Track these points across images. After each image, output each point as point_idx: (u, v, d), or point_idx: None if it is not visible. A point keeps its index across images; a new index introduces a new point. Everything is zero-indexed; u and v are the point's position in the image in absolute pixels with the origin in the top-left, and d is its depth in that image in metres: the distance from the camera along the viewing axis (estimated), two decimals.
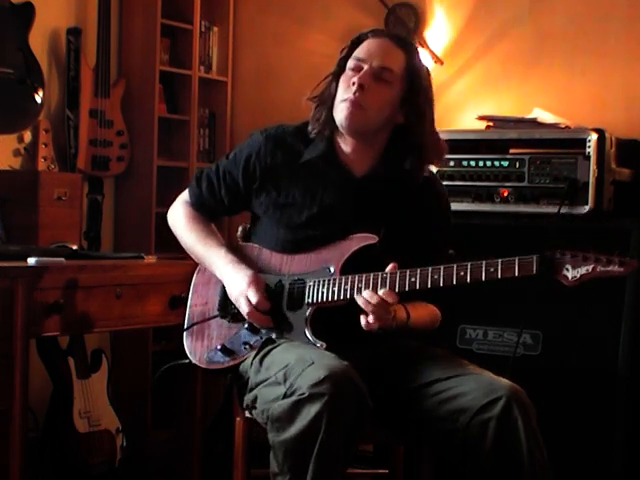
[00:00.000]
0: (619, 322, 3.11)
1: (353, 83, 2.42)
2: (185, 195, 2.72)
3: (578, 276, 2.17)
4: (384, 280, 2.33)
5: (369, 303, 2.31)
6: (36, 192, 3.53)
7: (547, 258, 2.19)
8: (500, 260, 2.22)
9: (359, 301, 2.33)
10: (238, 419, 2.54)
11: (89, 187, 4.03)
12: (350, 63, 2.46)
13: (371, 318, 2.31)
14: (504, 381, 2.30)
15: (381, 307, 2.30)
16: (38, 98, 3.65)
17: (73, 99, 3.93)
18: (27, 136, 3.71)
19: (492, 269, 2.22)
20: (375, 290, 2.32)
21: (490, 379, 2.30)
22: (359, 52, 2.45)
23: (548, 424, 2.39)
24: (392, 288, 2.32)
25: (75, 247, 3.41)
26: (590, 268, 2.16)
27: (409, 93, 2.44)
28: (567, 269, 2.17)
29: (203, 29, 4.40)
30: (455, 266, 2.27)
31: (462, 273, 2.26)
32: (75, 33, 3.94)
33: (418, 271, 2.31)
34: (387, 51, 2.44)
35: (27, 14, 3.65)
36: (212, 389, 3.77)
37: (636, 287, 3.11)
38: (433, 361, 2.40)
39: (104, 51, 3.97)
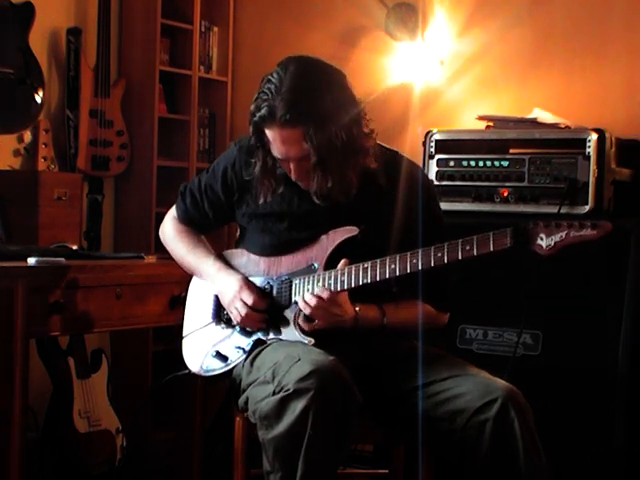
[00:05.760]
0: (619, 322, 3.11)
1: (291, 174, 2.44)
2: (173, 211, 2.76)
3: (552, 244, 2.17)
4: (365, 270, 2.35)
5: (307, 304, 2.37)
6: (36, 192, 3.53)
7: (520, 229, 2.20)
8: (475, 237, 2.23)
9: (300, 304, 2.39)
10: (238, 419, 2.54)
11: (89, 187, 4.03)
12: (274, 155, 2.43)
13: (316, 322, 2.38)
14: (500, 382, 2.30)
15: (320, 306, 2.35)
16: (38, 98, 3.65)
17: (73, 99, 3.93)
18: (27, 136, 3.71)
19: (468, 247, 2.24)
20: (357, 281, 2.36)
21: (486, 380, 2.31)
22: (275, 151, 2.41)
23: (548, 424, 2.39)
24: (373, 277, 2.35)
25: (75, 247, 3.40)
26: (564, 234, 2.17)
27: (323, 138, 2.35)
28: (541, 238, 2.19)
29: (203, 29, 4.41)
30: (432, 248, 2.29)
31: (439, 254, 2.28)
32: (75, 33, 3.94)
33: (397, 257, 2.33)
34: (291, 141, 2.36)
35: (27, 14, 3.65)
36: (212, 389, 3.77)
37: (636, 287, 3.11)
38: (430, 361, 2.40)
39: (104, 51, 3.97)
